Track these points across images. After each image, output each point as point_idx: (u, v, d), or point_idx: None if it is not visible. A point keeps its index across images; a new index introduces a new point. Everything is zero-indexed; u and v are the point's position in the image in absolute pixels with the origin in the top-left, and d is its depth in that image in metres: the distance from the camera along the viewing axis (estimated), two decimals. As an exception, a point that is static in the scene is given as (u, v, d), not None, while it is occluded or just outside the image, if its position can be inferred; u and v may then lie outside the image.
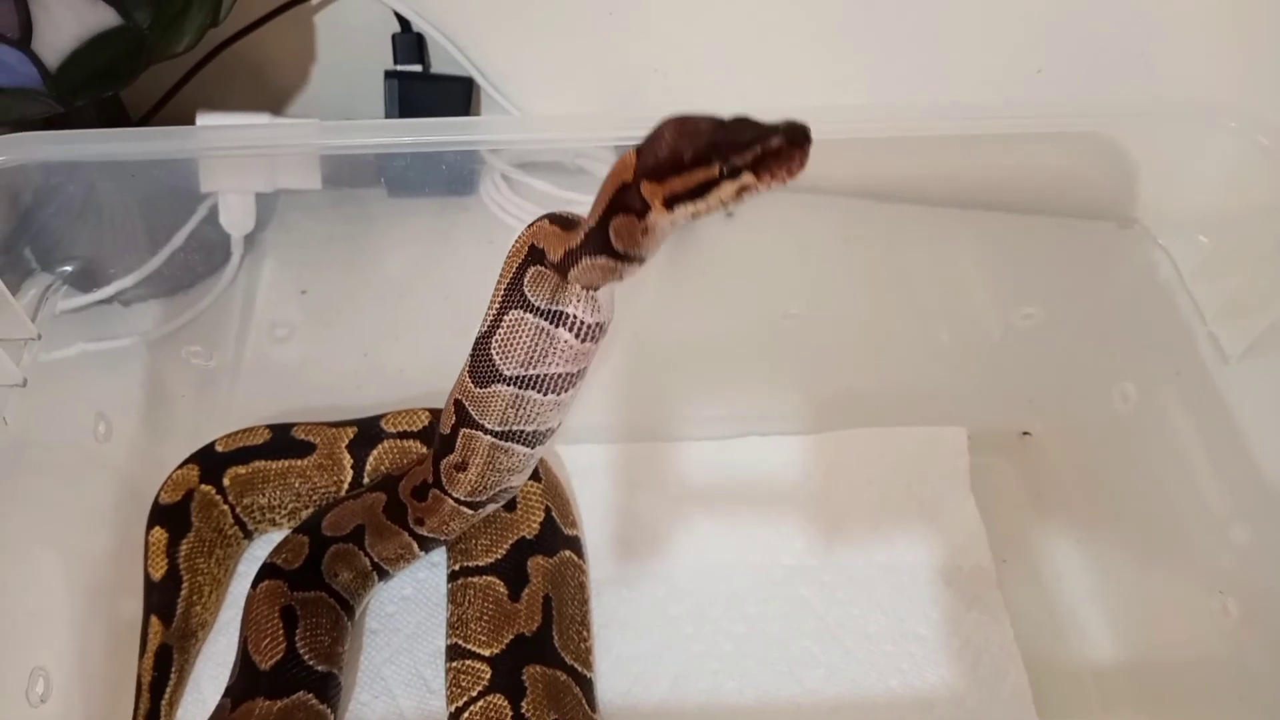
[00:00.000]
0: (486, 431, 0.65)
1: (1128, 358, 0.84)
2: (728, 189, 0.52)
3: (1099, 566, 0.84)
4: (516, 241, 0.63)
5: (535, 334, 0.61)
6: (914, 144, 0.83)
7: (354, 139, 0.77)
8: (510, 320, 0.62)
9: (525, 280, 0.61)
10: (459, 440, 0.67)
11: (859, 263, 0.91)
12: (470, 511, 0.72)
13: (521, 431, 0.65)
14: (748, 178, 0.52)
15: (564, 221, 0.61)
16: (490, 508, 0.74)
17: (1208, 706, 0.74)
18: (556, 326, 0.61)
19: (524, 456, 0.67)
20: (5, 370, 0.70)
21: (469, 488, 0.69)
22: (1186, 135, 0.77)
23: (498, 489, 0.69)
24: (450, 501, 0.71)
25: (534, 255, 0.61)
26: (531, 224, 0.63)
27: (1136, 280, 0.82)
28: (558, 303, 0.60)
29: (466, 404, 0.65)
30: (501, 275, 0.63)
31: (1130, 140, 0.80)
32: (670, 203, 0.54)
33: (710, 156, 0.52)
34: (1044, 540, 0.86)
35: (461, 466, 0.68)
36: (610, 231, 0.56)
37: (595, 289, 0.60)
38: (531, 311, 0.61)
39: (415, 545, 0.76)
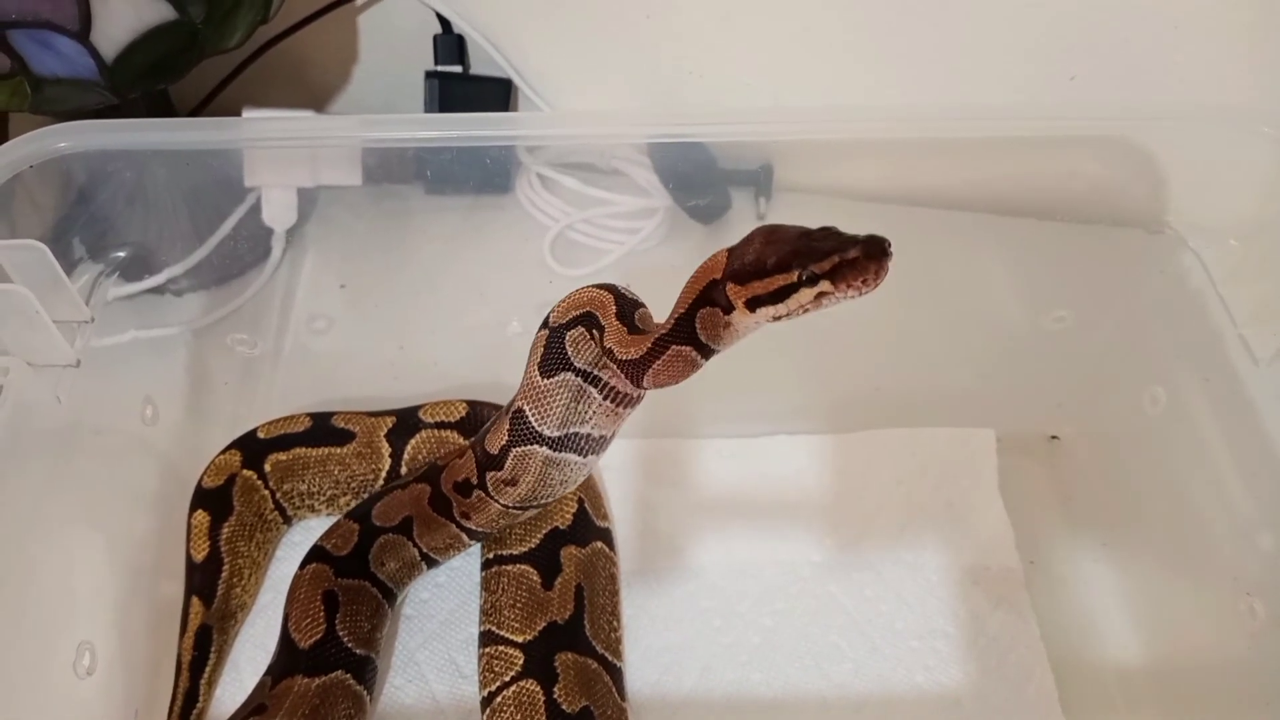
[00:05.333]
0: (544, 442, 0.67)
1: (1158, 361, 0.84)
2: (806, 294, 0.56)
3: (1126, 569, 0.84)
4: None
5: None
6: (946, 147, 0.84)
7: (395, 132, 0.79)
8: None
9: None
10: (509, 460, 0.69)
11: (892, 265, 0.92)
12: (518, 512, 0.73)
13: (578, 435, 0.67)
14: (825, 285, 0.55)
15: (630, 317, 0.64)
16: (537, 510, 0.75)
17: (1233, 709, 0.74)
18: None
19: (576, 467, 0.69)
20: (60, 350, 0.72)
21: (517, 499, 0.71)
22: (1219, 140, 0.77)
23: (547, 499, 0.71)
24: (497, 505, 0.72)
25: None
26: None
27: (1167, 284, 0.82)
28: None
29: (529, 410, 0.67)
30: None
31: (1163, 145, 0.80)
32: (752, 305, 0.58)
33: (791, 264, 0.56)
34: (1071, 542, 0.87)
35: (511, 482, 0.70)
36: (696, 321, 0.59)
37: (661, 388, 0.63)
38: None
39: (464, 536, 0.77)
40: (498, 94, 1.07)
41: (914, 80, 1.00)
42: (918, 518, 0.87)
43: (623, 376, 0.63)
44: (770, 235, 0.58)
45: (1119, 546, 0.86)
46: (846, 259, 0.54)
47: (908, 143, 0.83)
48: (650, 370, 0.61)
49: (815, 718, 0.78)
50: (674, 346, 0.60)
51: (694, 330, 0.60)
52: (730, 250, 0.60)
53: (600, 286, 0.66)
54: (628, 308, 0.64)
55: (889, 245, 0.54)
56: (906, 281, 0.91)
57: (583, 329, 0.65)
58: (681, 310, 0.60)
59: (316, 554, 0.76)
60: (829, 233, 0.56)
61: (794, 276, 0.56)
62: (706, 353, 0.61)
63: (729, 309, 0.59)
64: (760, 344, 0.89)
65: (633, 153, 0.99)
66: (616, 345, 0.62)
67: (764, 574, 0.85)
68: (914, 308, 0.91)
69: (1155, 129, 0.80)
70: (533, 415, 0.66)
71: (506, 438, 0.68)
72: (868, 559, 0.85)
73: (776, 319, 0.58)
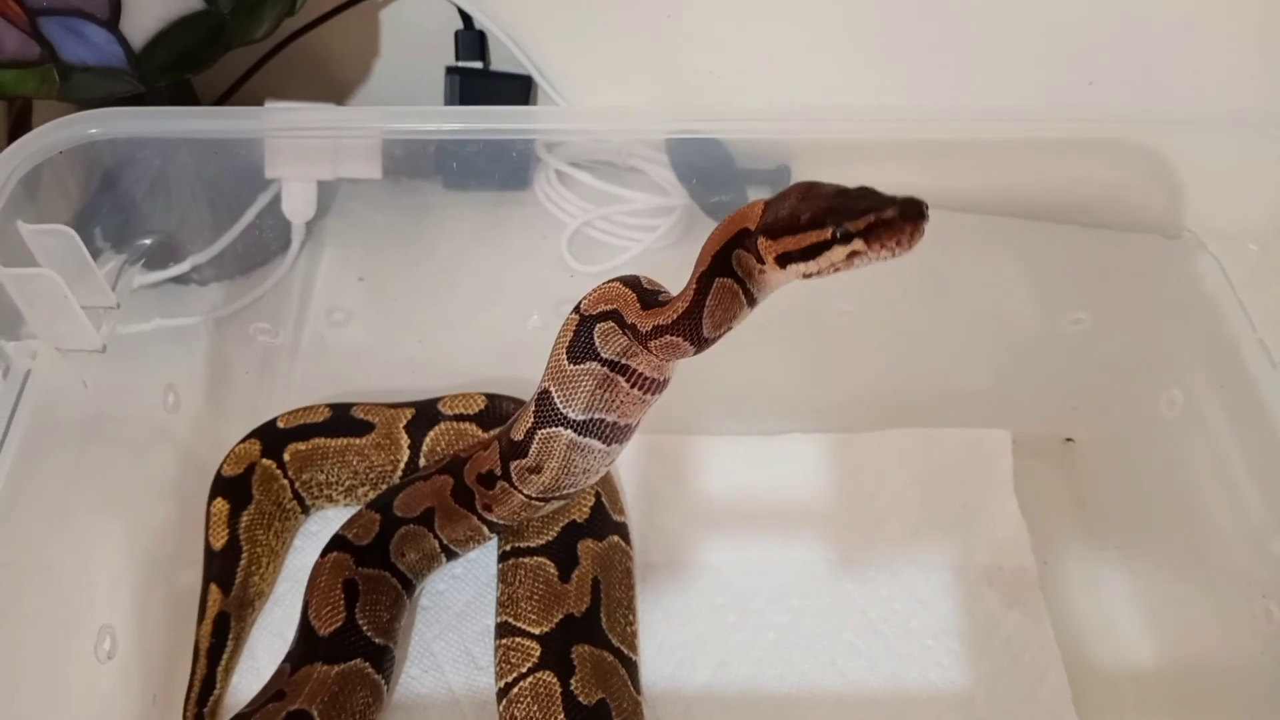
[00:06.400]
0: (568, 424, 0.66)
1: (1175, 365, 0.84)
2: (839, 253, 0.55)
3: (1140, 571, 0.85)
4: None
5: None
6: (964, 149, 0.84)
7: (416, 124, 0.79)
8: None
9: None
10: (534, 445, 0.68)
11: (908, 266, 0.92)
12: (540, 503, 0.73)
13: (603, 421, 0.66)
14: (858, 244, 0.54)
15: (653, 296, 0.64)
16: (559, 503, 0.75)
17: (1246, 712, 0.75)
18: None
19: (600, 455, 0.68)
20: (87, 335, 0.72)
21: (541, 487, 0.70)
22: (1237, 144, 0.78)
23: (570, 489, 0.71)
24: (520, 496, 0.72)
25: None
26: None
27: (1185, 288, 0.82)
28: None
29: (554, 391, 0.66)
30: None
31: (1180, 149, 0.81)
32: (783, 260, 0.57)
33: (825, 220, 0.55)
34: (1086, 544, 0.87)
35: (535, 469, 0.69)
36: (733, 259, 0.59)
37: (719, 332, 0.61)
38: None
39: (485, 528, 0.77)
40: (518, 91, 1.07)
41: (930, 86, 1.00)
42: (932, 518, 0.88)
43: (680, 340, 0.61)
44: (807, 191, 0.57)
45: (1133, 549, 0.86)
46: (882, 218, 0.53)
47: (925, 144, 0.83)
48: (705, 312, 0.59)
49: (829, 714, 0.78)
50: (718, 279, 0.59)
51: (731, 266, 0.59)
52: (767, 203, 0.59)
53: (623, 282, 0.66)
54: (649, 299, 0.64)
55: (926, 207, 0.53)
56: (924, 282, 0.92)
57: (612, 323, 0.64)
58: (716, 248, 0.59)
59: (338, 543, 0.77)
60: (866, 192, 0.55)
61: (827, 234, 0.54)
62: (746, 292, 0.59)
63: (760, 261, 0.58)
64: (775, 342, 0.90)
65: (650, 150, 0.99)
66: (658, 320, 0.61)
67: (778, 571, 0.85)
68: (931, 308, 0.91)
69: (1172, 133, 0.80)
70: (558, 397, 0.66)
71: (532, 420, 0.68)
72: (882, 558, 0.85)
73: (807, 276, 0.57)
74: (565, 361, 0.66)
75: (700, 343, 0.61)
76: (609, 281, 0.66)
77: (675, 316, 0.61)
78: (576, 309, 0.66)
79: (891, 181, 0.95)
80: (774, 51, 1.02)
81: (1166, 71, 0.93)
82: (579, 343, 0.65)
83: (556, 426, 0.67)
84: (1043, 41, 0.95)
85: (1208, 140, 0.80)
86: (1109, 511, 0.89)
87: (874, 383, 0.93)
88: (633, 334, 0.64)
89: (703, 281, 0.60)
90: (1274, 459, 0.75)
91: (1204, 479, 0.81)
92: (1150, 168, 0.82)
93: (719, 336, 0.61)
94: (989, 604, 0.83)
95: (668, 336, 0.61)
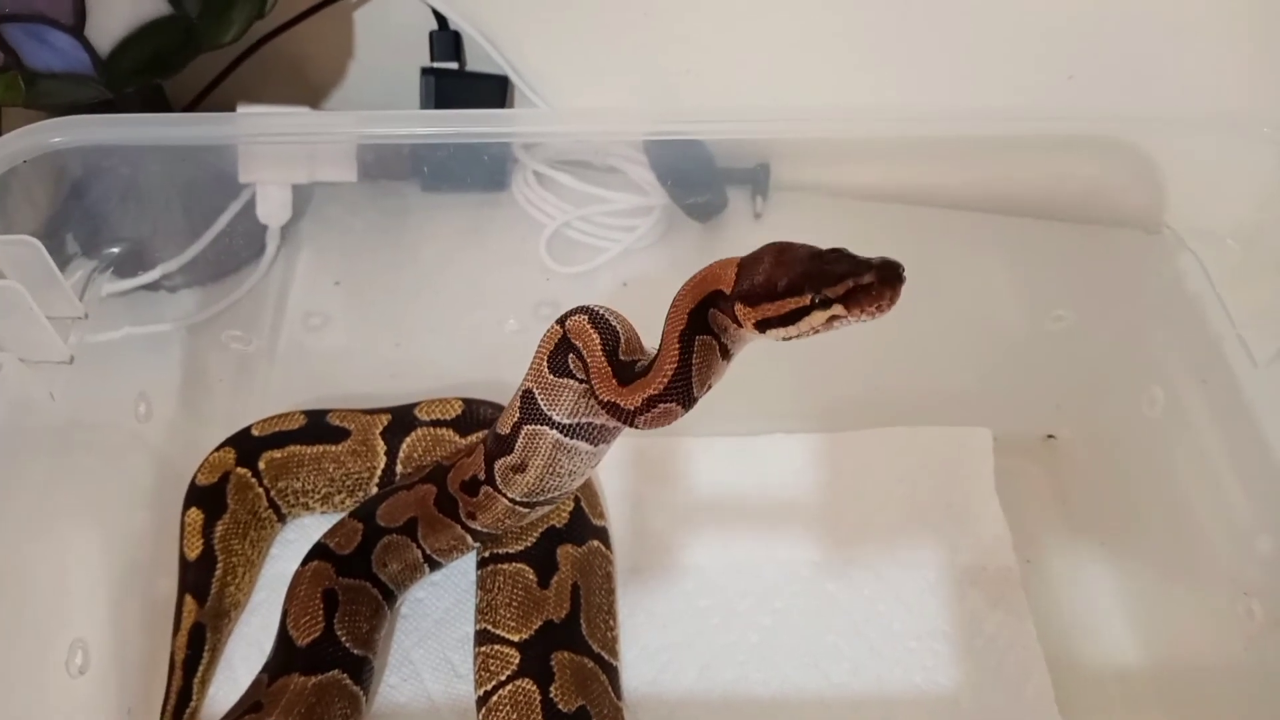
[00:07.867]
0: (554, 426, 0.66)
1: (1156, 362, 0.84)
2: (818, 317, 0.56)
3: (1123, 570, 0.84)
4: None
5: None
6: (944, 147, 0.84)
7: (391, 128, 0.78)
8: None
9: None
10: (519, 440, 0.67)
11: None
12: (525, 509, 0.72)
13: (590, 425, 0.66)
14: (838, 309, 0.55)
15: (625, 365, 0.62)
16: (543, 509, 0.74)
17: (1231, 710, 0.74)
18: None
19: (586, 456, 0.67)
20: (53, 346, 0.71)
21: (525, 489, 0.69)
22: (1218, 143, 0.78)
23: (555, 492, 0.70)
24: (504, 501, 0.71)
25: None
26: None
27: (1166, 285, 0.82)
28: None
29: (538, 393, 0.66)
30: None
31: (1162, 147, 0.80)
32: (762, 326, 0.57)
33: (803, 287, 0.55)
34: (1068, 543, 0.87)
35: (520, 468, 0.68)
36: (709, 317, 0.59)
37: (704, 391, 0.60)
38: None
39: (468, 537, 0.76)
40: (494, 91, 1.06)
41: (914, 82, 1.00)
42: (916, 517, 0.87)
43: (675, 406, 0.60)
44: (780, 255, 0.57)
45: (1116, 547, 0.85)
46: (861, 284, 0.54)
47: (905, 142, 0.83)
48: (693, 372, 0.59)
49: (814, 717, 0.77)
50: (698, 337, 0.59)
51: (708, 324, 0.59)
52: (740, 265, 0.58)
53: (601, 339, 0.62)
54: (626, 373, 0.61)
55: (903, 270, 0.54)
56: (907, 279, 0.91)
57: (580, 361, 0.64)
58: (690, 307, 0.59)
59: (319, 552, 0.76)
60: (841, 255, 0.56)
61: (806, 300, 0.55)
62: (723, 347, 0.60)
63: (738, 326, 0.58)
64: (758, 343, 0.89)
65: (630, 150, 0.98)
66: (646, 393, 0.59)
67: (762, 573, 0.84)
68: (912, 307, 0.90)
69: (1154, 131, 0.80)
70: (543, 401, 0.65)
71: (518, 414, 0.67)
72: (866, 559, 0.85)
73: (786, 339, 0.57)
74: (547, 371, 0.65)
75: (689, 403, 0.60)
76: (591, 322, 0.63)
77: (665, 382, 0.59)
78: (560, 321, 0.65)
79: (871, 177, 0.95)
80: (755, 51, 1.01)
81: (1149, 71, 0.93)
82: (557, 359, 0.65)
83: (542, 425, 0.66)
84: (1025, 39, 0.94)
85: (1189, 138, 0.80)
86: (1092, 509, 0.88)
87: (856, 382, 0.92)
88: (613, 413, 0.61)
89: (685, 340, 0.59)
90: (1256, 456, 0.74)
91: (1187, 476, 0.81)
92: (1132, 165, 0.81)
93: (703, 395, 0.61)
94: (973, 604, 0.82)
95: (661, 406, 0.60)
